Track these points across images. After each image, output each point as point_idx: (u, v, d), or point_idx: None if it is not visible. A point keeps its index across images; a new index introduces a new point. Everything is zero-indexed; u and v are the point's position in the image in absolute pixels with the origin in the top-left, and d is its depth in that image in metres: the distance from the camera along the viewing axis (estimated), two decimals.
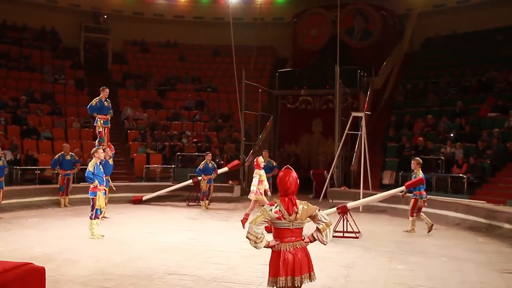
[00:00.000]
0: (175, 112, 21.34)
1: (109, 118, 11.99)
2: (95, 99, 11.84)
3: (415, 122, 18.02)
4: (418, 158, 11.06)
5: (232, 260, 7.67)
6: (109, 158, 11.65)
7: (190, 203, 14.64)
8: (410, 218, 10.68)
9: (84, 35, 23.61)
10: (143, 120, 20.32)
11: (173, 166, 17.70)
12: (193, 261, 7.62)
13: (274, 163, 15.13)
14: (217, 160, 17.71)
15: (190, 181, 14.86)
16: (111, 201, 14.90)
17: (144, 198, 14.86)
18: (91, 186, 9.46)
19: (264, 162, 13.71)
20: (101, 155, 10.12)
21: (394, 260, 7.91)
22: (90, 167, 9.40)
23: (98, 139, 11.83)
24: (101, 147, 11.17)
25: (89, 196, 9.55)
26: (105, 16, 24.25)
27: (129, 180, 17.22)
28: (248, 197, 11.02)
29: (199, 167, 14.46)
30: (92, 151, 10.17)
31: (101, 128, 11.75)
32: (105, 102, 11.77)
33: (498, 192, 13.18)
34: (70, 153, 13.99)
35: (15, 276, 4.14)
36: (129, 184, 16.34)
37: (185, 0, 25.86)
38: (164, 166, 17.81)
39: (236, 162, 15.40)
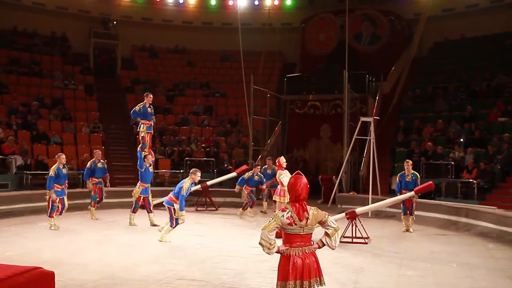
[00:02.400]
0: (183, 118, 21.41)
1: (152, 124, 11.84)
2: (138, 104, 11.66)
3: (424, 127, 17.93)
4: (409, 160, 11.74)
5: (240, 265, 7.67)
6: (149, 166, 11.41)
7: (198, 208, 14.65)
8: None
9: (93, 41, 23.79)
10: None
11: (181, 171, 17.73)
12: (201, 266, 7.63)
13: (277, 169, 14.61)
14: (225, 165, 17.75)
15: (199, 186, 14.87)
16: (119, 205, 15.03)
17: (154, 202, 14.85)
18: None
19: (269, 169, 13.88)
20: (149, 160, 11.10)
21: (403, 266, 7.86)
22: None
23: (140, 145, 11.61)
24: (143, 153, 11.26)
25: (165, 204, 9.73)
26: (114, 22, 24.41)
27: None
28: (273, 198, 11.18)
29: (243, 176, 13.70)
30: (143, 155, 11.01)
31: (144, 134, 11.57)
32: (148, 108, 11.59)
33: (509, 197, 13.07)
34: (101, 160, 13.09)
35: (24, 280, 4.17)
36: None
37: (193, 6, 25.99)
38: (173, 171, 17.84)
39: (244, 167, 15.36)
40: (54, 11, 23.30)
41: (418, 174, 11.37)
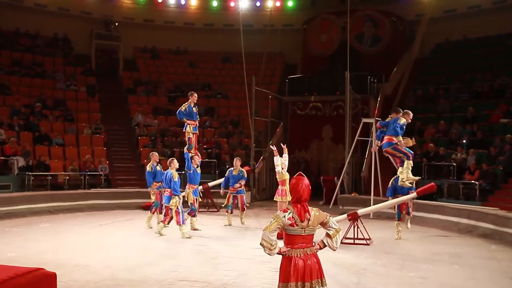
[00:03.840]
0: None
1: (197, 124, 11.53)
2: (184, 104, 11.32)
3: (426, 128, 17.90)
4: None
5: (242, 266, 7.66)
6: (196, 167, 11.07)
7: (200, 210, 14.61)
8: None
9: (95, 42, 23.82)
10: (153, 127, 20.42)
11: (183, 172, 17.70)
12: (203, 268, 7.62)
13: (245, 175, 12.45)
14: (227, 167, 17.72)
15: (201, 187, 14.86)
16: (120, 206, 15.06)
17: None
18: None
19: (235, 171, 12.28)
20: (196, 161, 10.97)
21: (405, 268, 7.85)
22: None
23: (187, 146, 11.33)
24: (190, 154, 11.08)
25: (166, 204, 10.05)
26: (116, 24, 24.46)
27: (139, 186, 17.25)
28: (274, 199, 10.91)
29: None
30: (168, 160, 10.47)
31: (190, 135, 11.30)
32: (194, 108, 11.29)
33: (511, 199, 13.00)
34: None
35: (26, 281, 4.18)
36: (140, 190, 16.35)
37: (195, 7, 26.01)
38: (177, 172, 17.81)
39: (246, 168, 15.38)
40: (56, 12, 23.34)
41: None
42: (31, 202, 13.63)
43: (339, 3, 22.63)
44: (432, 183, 10.04)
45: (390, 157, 10.70)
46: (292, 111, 20.35)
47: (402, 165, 10.23)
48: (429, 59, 22.82)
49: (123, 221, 12.60)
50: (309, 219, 4.24)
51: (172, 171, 10.11)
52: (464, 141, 16.14)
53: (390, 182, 10.83)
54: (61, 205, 14.15)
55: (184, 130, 11.55)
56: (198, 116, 11.54)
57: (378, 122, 10.75)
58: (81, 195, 15.14)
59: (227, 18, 25.02)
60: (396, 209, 10.87)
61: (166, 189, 10.31)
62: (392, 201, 10.71)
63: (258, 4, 25.43)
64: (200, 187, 14.83)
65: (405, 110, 10.34)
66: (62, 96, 20.52)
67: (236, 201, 12.14)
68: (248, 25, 22.11)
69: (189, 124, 11.27)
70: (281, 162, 10.47)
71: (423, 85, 20.62)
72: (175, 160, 10.41)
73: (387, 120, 10.58)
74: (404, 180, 10.12)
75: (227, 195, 12.26)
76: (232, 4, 25.21)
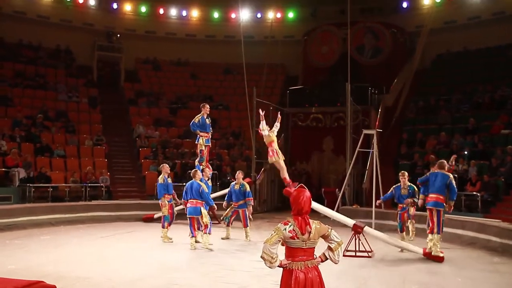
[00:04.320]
0: (186, 130, 21.38)
1: (210, 136, 11.45)
2: (197, 116, 11.28)
3: (427, 140, 17.89)
4: (404, 171, 11.17)
5: (243, 279, 7.62)
6: (207, 179, 10.88)
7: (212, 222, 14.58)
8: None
9: (97, 53, 23.92)
10: (154, 138, 20.42)
11: (184, 184, 17.66)
12: (204, 280, 7.58)
13: (248, 189, 11.79)
14: (228, 178, 17.71)
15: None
16: (121, 218, 15.03)
17: (155, 216, 14.83)
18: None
19: (237, 185, 11.73)
20: (207, 173, 10.82)
21: (407, 280, 7.80)
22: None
23: (198, 158, 11.17)
24: (201, 166, 10.92)
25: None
26: (118, 35, 24.60)
27: (140, 198, 17.27)
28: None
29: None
30: (192, 171, 10.31)
31: (203, 147, 11.22)
32: (206, 119, 11.27)
33: None
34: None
35: None
36: (141, 202, 16.39)
37: (196, 19, 26.18)
38: (176, 184, 17.73)
39: (247, 180, 15.35)
40: (59, 24, 23.48)
41: (415, 187, 10.69)
42: (32, 214, 13.61)
43: (339, 14, 22.77)
44: (442, 256, 9.36)
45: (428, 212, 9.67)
46: (293, 122, 20.38)
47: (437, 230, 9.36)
48: (429, 70, 22.89)
49: (124, 233, 12.57)
50: (310, 232, 4.23)
51: (200, 182, 10.06)
52: (466, 152, 16.11)
53: (391, 189, 10.98)
54: (62, 217, 14.13)
55: (196, 142, 11.46)
56: (211, 128, 11.44)
57: (418, 180, 9.91)
58: (82, 207, 15.13)
59: (228, 29, 25.16)
60: (398, 220, 10.87)
61: (191, 200, 10.07)
62: (400, 243, 10.44)
63: (259, 15, 25.60)
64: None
65: (441, 161, 9.73)
66: (64, 108, 20.57)
67: (235, 215, 11.91)
68: (249, 37, 22.22)
69: (201, 136, 11.22)
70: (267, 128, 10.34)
71: (424, 96, 20.66)
72: (199, 171, 10.32)
73: (426, 175, 9.83)
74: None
75: (229, 208, 11.93)
76: (233, 15, 25.37)
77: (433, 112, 19.51)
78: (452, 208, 9.54)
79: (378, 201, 11.50)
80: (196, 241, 10.28)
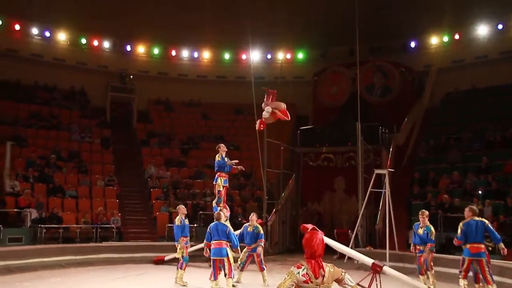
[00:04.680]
0: (197, 171, 21.48)
1: (227, 177, 11.27)
2: (217, 155, 11.18)
3: (439, 179, 17.74)
4: (424, 210, 10.64)
5: None
6: (225, 220, 10.54)
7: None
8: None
9: (110, 94, 24.33)
10: (166, 179, 20.47)
11: (195, 225, 17.61)
12: None
13: (261, 231, 11.43)
14: (239, 219, 17.60)
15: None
16: (132, 260, 14.89)
17: (166, 258, 14.69)
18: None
19: (250, 227, 11.39)
20: (226, 214, 10.52)
21: None
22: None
23: (216, 199, 10.97)
24: (218, 208, 10.73)
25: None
26: (131, 77, 25.09)
27: (151, 239, 17.18)
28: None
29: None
30: (215, 214, 10.14)
31: (221, 187, 11.04)
32: (226, 159, 11.19)
33: None
34: None
35: None
36: (152, 244, 16.28)
37: (208, 60, 26.70)
38: (187, 225, 17.68)
39: (258, 221, 15.24)
40: (74, 66, 24.06)
41: (432, 229, 10.26)
42: (42, 256, 13.55)
43: (348, 55, 23.09)
44: None
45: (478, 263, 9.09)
46: (304, 162, 20.37)
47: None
48: (439, 108, 22.95)
49: (135, 275, 12.44)
50: (323, 276, 4.16)
51: (226, 223, 9.98)
52: (480, 192, 15.91)
53: (413, 233, 10.50)
54: (73, 258, 14.04)
55: (214, 183, 11.27)
56: (229, 168, 11.26)
57: (458, 238, 9.25)
58: (93, 248, 15.06)
59: (239, 70, 25.57)
60: (416, 262, 10.56)
61: (217, 242, 9.76)
62: (415, 283, 10.22)
63: (269, 56, 26.08)
64: None
65: (473, 208, 9.44)
66: (77, 148, 20.80)
67: (250, 260, 11.67)
68: (260, 77, 22.52)
69: (220, 176, 11.06)
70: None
71: (434, 135, 20.63)
72: (223, 212, 10.21)
73: (461, 228, 9.21)
74: None
75: (243, 252, 11.42)
76: (243, 57, 25.86)
77: (444, 151, 19.43)
78: (505, 249, 9.08)
79: (412, 248, 10.92)
80: (216, 285, 10.01)
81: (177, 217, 11.24)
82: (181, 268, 11.02)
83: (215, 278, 9.87)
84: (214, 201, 11.15)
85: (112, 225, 16.59)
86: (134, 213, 18.81)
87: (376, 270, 9.41)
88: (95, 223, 16.40)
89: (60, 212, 16.39)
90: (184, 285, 10.92)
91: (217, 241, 9.75)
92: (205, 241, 10.08)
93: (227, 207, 11.34)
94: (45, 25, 23.17)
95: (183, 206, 11.58)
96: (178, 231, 11.07)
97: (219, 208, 10.75)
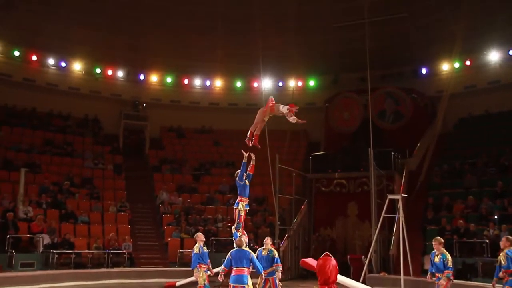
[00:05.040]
0: (209, 197, 21.47)
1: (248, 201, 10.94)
2: (237, 177, 10.89)
3: (454, 204, 17.49)
4: (439, 237, 10.17)
5: None
6: (244, 246, 10.05)
7: None
8: None
9: (123, 122, 24.63)
10: (177, 205, 20.46)
11: (207, 251, 17.44)
12: None
13: (276, 255, 10.95)
14: (251, 245, 17.44)
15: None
16: (143, 286, 14.79)
17: (177, 284, 14.55)
18: None
19: (264, 251, 10.92)
20: (245, 240, 10.01)
21: None
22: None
23: (235, 225, 10.60)
24: (238, 233, 10.33)
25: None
26: (144, 105, 25.43)
27: (163, 265, 17.06)
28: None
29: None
30: (236, 240, 9.77)
31: (242, 212, 10.64)
32: (246, 181, 10.91)
33: None
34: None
35: None
36: (163, 269, 16.17)
37: (220, 88, 27.00)
38: None
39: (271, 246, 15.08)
40: (88, 95, 24.48)
41: (448, 256, 9.84)
42: (54, 281, 13.55)
43: (359, 81, 23.22)
44: None
45: None
46: (316, 188, 20.25)
47: None
48: (452, 133, 22.82)
49: None
50: None
51: (248, 249, 9.69)
52: (496, 216, 15.64)
53: (430, 261, 10.01)
54: (85, 284, 14.03)
55: (235, 207, 10.87)
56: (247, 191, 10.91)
57: (503, 268, 8.96)
58: (104, 273, 15.00)
59: (251, 98, 25.76)
60: None
61: (238, 269, 9.36)
62: None
63: (280, 84, 26.29)
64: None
65: (508, 237, 9.20)
66: (90, 175, 20.95)
67: (267, 285, 11.42)
68: None
69: (241, 201, 10.74)
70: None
71: (448, 160, 20.46)
72: (243, 238, 9.82)
73: (507, 256, 8.95)
74: None
75: (259, 277, 10.86)
76: (255, 84, 26.10)
77: (459, 176, 19.21)
78: None
79: (428, 276, 10.52)
80: None
81: (196, 245, 10.95)
82: None
83: None
84: (233, 227, 10.83)
85: (124, 251, 16.54)
86: (145, 238, 18.76)
87: None
88: (106, 249, 16.37)
89: (72, 237, 16.40)
90: None
91: (238, 268, 9.42)
92: (223, 266, 9.81)
93: (245, 233, 11.04)
94: (61, 56, 23.69)
95: (201, 234, 11.26)
96: (196, 259, 10.78)
97: (238, 234, 10.50)
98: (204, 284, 10.71)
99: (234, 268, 9.43)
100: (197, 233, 11.46)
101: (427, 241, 16.36)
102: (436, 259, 9.78)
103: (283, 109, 10.52)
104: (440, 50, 22.78)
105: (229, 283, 9.51)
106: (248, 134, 10.91)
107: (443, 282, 9.72)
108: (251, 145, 10.70)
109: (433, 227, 16.72)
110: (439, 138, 21.30)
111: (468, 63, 23.09)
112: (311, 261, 10.31)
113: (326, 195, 19.95)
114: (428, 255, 14.87)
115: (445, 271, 9.67)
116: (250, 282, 9.54)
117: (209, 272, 10.98)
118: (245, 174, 10.95)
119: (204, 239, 11.20)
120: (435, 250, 9.89)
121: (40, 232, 15.73)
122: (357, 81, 23.83)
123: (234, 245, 9.77)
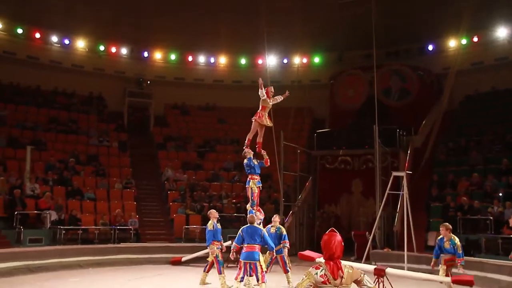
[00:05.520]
0: (214, 173, 21.56)
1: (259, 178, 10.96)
2: (246, 159, 10.97)
3: (459, 181, 17.50)
4: (446, 223, 10.00)
5: None
6: (259, 223, 10.33)
7: (229, 265, 14.40)
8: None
9: (128, 99, 24.62)
10: (183, 181, 20.57)
11: (220, 228, 17.59)
12: None
13: (284, 232, 11.42)
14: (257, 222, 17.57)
15: (229, 242, 14.69)
16: (149, 261, 14.97)
17: (183, 259, 14.78)
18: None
19: (273, 228, 11.38)
20: (260, 217, 10.32)
21: None
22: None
23: (250, 203, 10.73)
24: (253, 210, 10.47)
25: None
26: (148, 82, 25.36)
27: (168, 241, 17.24)
28: None
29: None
30: (248, 216, 9.99)
31: (255, 190, 10.72)
32: (254, 161, 10.89)
33: None
34: None
35: None
36: (169, 245, 16.34)
37: (224, 65, 26.84)
38: (204, 227, 17.64)
39: None
40: (92, 72, 24.43)
41: (457, 241, 9.57)
42: (62, 256, 13.72)
43: (365, 58, 22.98)
44: (471, 279, 8.96)
45: None
46: (321, 165, 20.26)
47: None
48: (458, 111, 22.67)
49: (152, 276, 12.49)
50: (342, 277, 4.14)
51: (259, 226, 9.93)
52: (500, 194, 15.66)
53: (436, 243, 9.94)
54: (91, 259, 14.19)
55: (247, 186, 10.93)
56: (259, 168, 10.96)
57: None
58: (111, 249, 15.18)
59: (255, 75, 25.37)
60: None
61: (249, 245, 9.58)
62: (424, 275, 10.05)
63: (285, 61, 26.10)
64: (229, 242, 14.69)
65: None
66: (95, 152, 21.05)
67: (274, 261, 11.51)
68: (276, 81, 22.47)
69: (252, 179, 10.79)
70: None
71: (454, 137, 20.38)
72: (256, 215, 10.09)
73: None
74: None
75: (267, 254, 11.18)
76: (259, 61, 25.92)
77: (464, 153, 19.16)
78: None
79: (432, 263, 10.54)
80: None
81: (210, 222, 11.05)
82: (219, 273, 10.72)
83: (241, 281, 9.74)
84: (248, 205, 10.92)
85: (130, 227, 16.71)
86: (151, 215, 18.92)
87: (380, 274, 9.25)
88: (113, 225, 16.54)
89: (79, 214, 16.55)
90: (206, 284, 10.91)
91: (249, 245, 9.58)
92: (234, 243, 9.92)
93: (261, 210, 11.00)
94: (64, 33, 23.59)
95: (215, 211, 11.35)
96: (210, 236, 10.90)
97: (254, 211, 10.58)
98: (219, 260, 10.79)
99: (245, 245, 9.55)
100: (211, 210, 11.53)
101: (431, 218, 16.47)
102: (446, 245, 9.65)
103: (277, 99, 11.25)
104: (447, 26, 22.42)
105: (240, 260, 9.66)
106: (246, 141, 11.06)
107: (461, 271, 9.65)
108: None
109: (437, 204, 16.77)
110: (445, 115, 21.17)
111: (475, 39, 22.83)
112: (308, 253, 10.48)
113: (331, 172, 19.97)
114: (433, 232, 15.05)
115: (458, 260, 9.57)
116: (261, 258, 9.67)
117: (223, 247, 11.10)
118: (255, 161, 10.95)
119: (218, 216, 11.25)
120: (442, 236, 9.71)
121: (47, 208, 15.88)
122: (362, 58, 23.58)
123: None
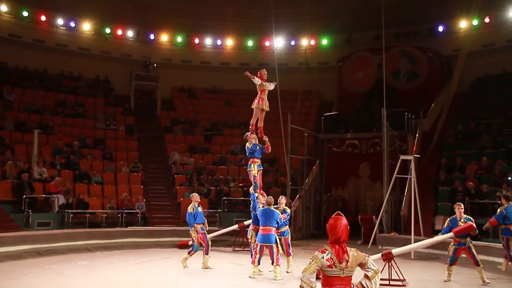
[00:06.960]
0: (221, 157, 21.55)
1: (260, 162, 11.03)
2: (249, 141, 11.04)
3: (467, 165, 17.35)
4: (459, 203, 10.33)
5: None
6: (262, 207, 10.34)
7: (236, 249, 14.48)
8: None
9: (134, 83, 24.59)
10: (189, 165, 20.60)
11: (219, 210, 17.70)
12: None
13: (288, 210, 11.47)
14: (263, 206, 17.55)
15: (236, 226, 14.75)
16: (156, 245, 15.08)
17: (190, 242, 14.75)
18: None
19: (279, 210, 10.91)
20: (262, 201, 10.33)
21: None
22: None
23: (253, 186, 10.80)
24: (256, 194, 10.56)
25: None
26: (155, 65, 25.27)
27: (175, 224, 17.33)
28: None
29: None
30: (266, 199, 10.17)
31: (256, 173, 10.77)
32: (258, 145, 10.99)
33: None
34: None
35: None
36: (176, 229, 16.42)
37: (231, 48, 26.62)
38: (210, 210, 17.80)
39: None
40: (98, 55, 24.37)
41: (472, 219, 9.75)
42: (70, 239, 13.85)
43: (374, 40, 22.71)
44: (470, 223, 9.38)
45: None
46: (328, 148, 20.17)
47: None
48: (468, 93, 22.39)
49: (159, 259, 12.58)
50: (347, 260, 4.19)
51: (276, 210, 10.02)
52: (510, 178, 15.50)
53: (446, 223, 9.91)
54: (99, 242, 14.31)
55: (248, 169, 11.04)
56: (261, 152, 11.03)
57: (494, 217, 11.06)
58: (118, 233, 15.29)
59: (262, 57, 25.38)
60: (451, 254, 9.95)
61: (265, 227, 9.68)
62: (427, 241, 10.11)
63: (292, 43, 25.82)
64: (236, 226, 14.76)
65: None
66: (102, 135, 21.11)
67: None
68: (283, 64, 22.31)
69: (253, 162, 10.83)
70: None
71: (463, 121, 20.16)
72: (272, 198, 10.30)
73: (498, 213, 11.06)
74: None
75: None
76: (267, 43, 25.67)
77: (473, 137, 18.96)
78: None
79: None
80: (260, 270, 10.04)
81: (190, 205, 11.31)
82: (206, 253, 11.09)
83: (259, 263, 9.81)
84: (251, 188, 10.97)
85: (137, 211, 16.80)
86: (158, 198, 19.02)
87: (388, 259, 9.22)
88: (120, 209, 16.63)
89: (86, 197, 16.67)
90: (186, 267, 11.06)
91: (265, 227, 9.64)
92: (252, 224, 9.99)
93: (264, 193, 11.05)
94: (70, 16, 23.47)
95: (197, 194, 11.66)
96: (191, 218, 11.18)
97: (256, 194, 10.63)
98: (194, 245, 11.10)
99: (261, 227, 9.61)
100: (192, 194, 11.82)
101: (439, 202, 16.37)
102: (461, 224, 9.62)
103: (270, 86, 11.47)
104: (458, 7, 21.98)
105: (256, 242, 9.71)
106: (250, 127, 11.18)
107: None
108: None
109: (445, 188, 16.67)
110: (454, 98, 20.90)
111: (487, 20, 22.37)
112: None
113: (338, 155, 19.88)
114: (440, 216, 14.96)
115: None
116: (278, 241, 9.69)
117: (205, 230, 11.32)
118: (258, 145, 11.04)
119: (199, 200, 11.51)
120: (455, 216, 9.75)
121: (57, 192, 15.98)
122: (371, 39, 23.30)
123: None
